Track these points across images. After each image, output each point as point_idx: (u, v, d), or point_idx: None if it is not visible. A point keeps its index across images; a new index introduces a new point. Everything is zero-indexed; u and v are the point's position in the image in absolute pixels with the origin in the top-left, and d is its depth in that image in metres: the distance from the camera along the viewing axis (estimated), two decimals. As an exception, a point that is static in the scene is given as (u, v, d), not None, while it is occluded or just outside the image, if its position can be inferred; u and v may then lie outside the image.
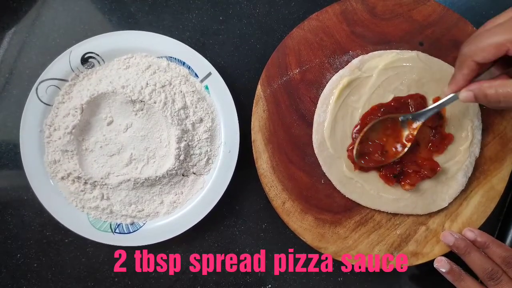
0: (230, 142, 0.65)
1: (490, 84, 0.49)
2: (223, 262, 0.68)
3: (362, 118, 0.62)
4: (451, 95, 0.54)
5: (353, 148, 0.61)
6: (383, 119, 0.60)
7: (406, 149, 0.60)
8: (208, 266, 0.68)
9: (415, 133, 0.59)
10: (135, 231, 0.65)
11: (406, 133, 0.60)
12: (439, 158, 0.61)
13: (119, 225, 0.65)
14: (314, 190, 0.63)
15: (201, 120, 0.65)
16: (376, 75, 0.62)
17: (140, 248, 0.64)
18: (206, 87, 0.66)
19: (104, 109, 0.64)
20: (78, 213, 0.64)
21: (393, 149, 0.61)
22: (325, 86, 0.64)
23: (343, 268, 0.67)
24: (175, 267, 0.68)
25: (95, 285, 0.68)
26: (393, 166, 0.61)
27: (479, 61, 0.49)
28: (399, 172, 0.61)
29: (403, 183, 0.61)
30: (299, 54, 0.64)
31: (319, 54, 0.64)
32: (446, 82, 0.61)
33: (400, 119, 0.60)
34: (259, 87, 0.64)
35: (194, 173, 0.66)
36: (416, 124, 0.59)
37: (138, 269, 0.67)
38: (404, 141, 0.60)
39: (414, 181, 0.60)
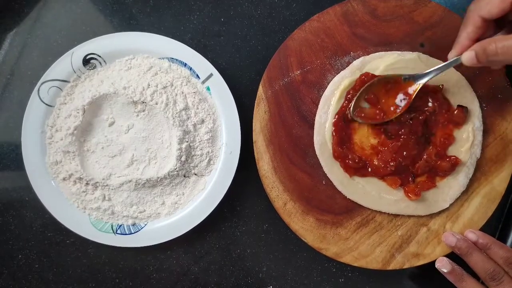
0: (232, 143, 0.65)
1: (490, 40, 0.48)
2: (224, 263, 0.68)
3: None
4: (454, 58, 0.53)
5: (341, 151, 0.61)
6: (383, 78, 0.60)
7: (404, 108, 0.59)
8: (209, 267, 0.68)
9: (414, 94, 0.59)
10: (136, 232, 0.65)
11: (405, 93, 0.59)
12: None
13: (120, 226, 0.65)
14: (315, 191, 0.63)
15: (202, 121, 0.65)
16: (377, 76, 0.62)
17: (142, 249, 0.64)
18: (208, 88, 0.66)
19: (105, 110, 0.64)
20: (79, 214, 0.64)
21: (391, 108, 0.60)
22: (326, 87, 0.64)
23: (344, 269, 0.67)
24: (176, 268, 0.68)
25: (96, 286, 0.68)
26: (402, 172, 0.61)
27: (485, 16, 0.48)
28: (409, 177, 0.61)
29: (409, 194, 0.61)
30: (301, 55, 0.64)
31: (320, 55, 0.64)
32: (447, 83, 0.62)
33: (402, 78, 0.59)
34: (260, 88, 0.64)
35: (195, 174, 0.66)
36: (416, 85, 0.59)
37: (139, 270, 0.67)
38: (401, 101, 0.60)
39: (419, 191, 0.60)
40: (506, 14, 0.48)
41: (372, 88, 0.60)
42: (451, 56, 0.54)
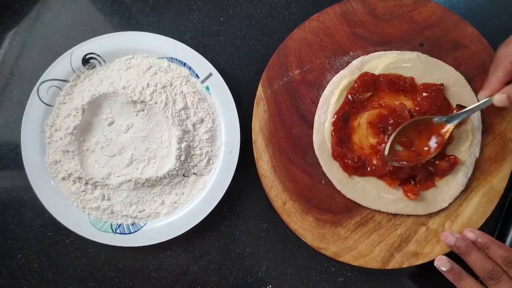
0: (231, 143, 0.65)
1: None
2: (223, 263, 0.68)
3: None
4: (486, 99, 0.54)
5: (344, 156, 0.61)
6: (414, 120, 0.60)
7: (439, 150, 0.59)
8: (208, 267, 0.68)
9: (447, 135, 0.59)
10: (136, 231, 0.65)
11: (437, 134, 0.60)
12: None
13: (120, 225, 0.65)
14: (314, 190, 0.63)
15: (202, 121, 0.65)
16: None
17: (141, 248, 0.64)
18: (207, 88, 0.66)
19: (105, 110, 0.64)
20: (79, 214, 0.64)
21: (425, 148, 0.60)
22: (325, 86, 0.64)
23: (343, 269, 0.67)
24: (175, 267, 0.68)
25: (96, 285, 0.68)
26: (401, 171, 0.61)
27: None
28: (408, 177, 0.61)
29: (408, 194, 0.61)
30: (300, 55, 0.64)
31: (320, 55, 0.64)
32: (447, 82, 0.62)
33: (434, 120, 0.60)
34: (259, 87, 0.64)
35: (195, 174, 0.66)
36: (448, 127, 0.59)
37: (138, 270, 0.68)
38: (435, 143, 0.60)
39: (418, 191, 0.61)
40: None
41: (404, 131, 0.60)
42: (482, 97, 0.55)
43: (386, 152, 0.60)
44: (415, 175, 0.61)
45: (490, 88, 0.53)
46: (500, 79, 0.52)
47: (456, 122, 0.59)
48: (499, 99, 0.52)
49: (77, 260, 0.68)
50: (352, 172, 0.62)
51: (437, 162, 0.61)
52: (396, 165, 0.60)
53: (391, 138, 0.60)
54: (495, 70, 0.52)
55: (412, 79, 0.62)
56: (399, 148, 0.61)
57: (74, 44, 0.65)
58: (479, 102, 0.56)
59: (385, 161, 0.60)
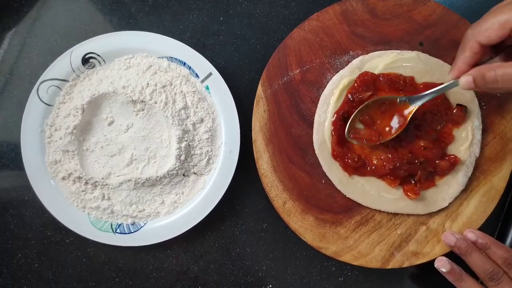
0: (231, 142, 0.65)
1: (488, 66, 0.48)
2: (223, 262, 0.68)
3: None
4: (451, 81, 0.53)
5: (342, 153, 0.61)
6: (378, 99, 0.60)
7: (399, 131, 0.59)
8: (208, 266, 0.68)
9: (409, 116, 0.59)
10: (136, 231, 0.65)
11: (400, 114, 0.59)
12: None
13: (120, 225, 0.65)
14: (314, 190, 0.63)
15: (201, 120, 0.65)
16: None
17: (141, 248, 0.65)
18: (207, 87, 0.66)
19: (105, 110, 0.64)
20: (79, 213, 0.64)
21: (386, 129, 0.60)
22: (325, 86, 0.64)
23: (343, 268, 0.67)
24: (176, 267, 0.68)
25: (96, 285, 0.68)
26: (400, 170, 0.61)
27: (482, 42, 0.48)
28: (408, 176, 0.61)
29: (409, 193, 0.61)
30: (300, 54, 0.64)
31: (320, 54, 0.64)
32: (446, 81, 0.61)
33: (397, 100, 0.59)
34: (259, 87, 0.64)
35: (195, 173, 0.66)
36: (412, 107, 0.59)
37: (139, 269, 0.68)
38: (397, 124, 0.60)
39: (418, 190, 0.60)
40: (504, 40, 0.48)
41: (367, 109, 0.60)
42: (448, 78, 0.54)
43: (346, 129, 0.60)
44: (415, 174, 0.61)
45: (456, 70, 0.51)
46: (467, 59, 0.50)
47: (419, 103, 0.58)
48: (464, 81, 0.50)
49: (77, 260, 0.68)
50: (352, 172, 0.62)
51: (437, 161, 0.61)
52: (354, 143, 0.60)
53: (353, 115, 0.60)
54: (462, 51, 0.50)
55: (412, 78, 0.61)
56: (360, 126, 0.61)
57: (74, 43, 0.65)
58: (445, 84, 0.54)
59: (386, 161, 0.60)
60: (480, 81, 0.49)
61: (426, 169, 0.61)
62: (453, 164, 0.61)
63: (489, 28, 0.48)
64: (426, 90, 0.61)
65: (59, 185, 0.65)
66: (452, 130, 0.62)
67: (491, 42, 0.48)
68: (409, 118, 0.59)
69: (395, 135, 0.59)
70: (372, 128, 0.61)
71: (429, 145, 0.60)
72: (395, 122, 0.60)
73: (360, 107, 0.60)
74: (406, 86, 0.61)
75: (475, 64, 0.51)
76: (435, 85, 0.61)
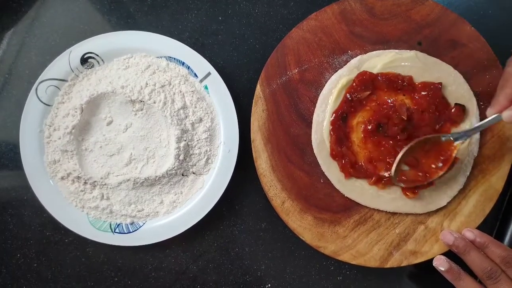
0: (230, 142, 0.65)
1: None
2: (222, 262, 0.68)
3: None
4: (494, 115, 0.54)
5: (342, 157, 0.61)
6: (421, 140, 0.59)
7: (446, 168, 0.59)
8: (207, 266, 0.68)
9: (454, 153, 0.59)
10: (135, 230, 0.65)
11: (446, 152, 0.59)
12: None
13: (119, 225, 0.65)
14: (313, 189, 0.63)
15: (200, 120, 0.65)
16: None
17: (140, 247, 0.65)
18: (206, 87, 0.66)
19: (103, 109, 0.64)
20: (78, 213, 0.64)
21: (432, 166, 0.60)
22: (324, 85, 0.64)
23: (342, 267, 0.67)
24: (175, 266, 0.68)
25: (95, 285, 0.68)
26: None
27: None
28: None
29: (407, 193, 0.61)
30: (298, 54, 0.64)
31: (318, 54, 0.64)
32: (445, 81, 0.62)
33: (441, 138, 0.59)
34: (258, 87, 0.64)
35: (193, 173, 0.66)
36: (455, 144, 0.59)
37: (138, 269, 0.68)
38: (442, 162, 0.59)
39: (416, 190, 0.61)
40: None
41: (411, 151, 0.59)
42: (490, 113, 0.54)
43: (392, 173, 0.59)
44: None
45: (498, 105, 0.53)
46: (508, 96, 0.52)
47: (463, 139, 0.58)
48: (508, 115, 0.51)
49: (76, 260, 0.68)
50: (349, 175, 0.62)
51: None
52: (402, 186, 0.60)
53: (398, 158, 0.59)
54: (503, 87, 0.52)
55: (410, 77, 0.62)
56: (405, 168, 0.61)
57: (73, 43, 0.65)
58: (488, 119, 0.55)
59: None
60: None
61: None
62: (452, 163, 0.61)
63: None
64: (424, 90, 0.61)
65: (58, 185, 0.65)
66: (450, 129, 0.62)
67: None
68: (454, 155, 0.58)
69: (443, 173, 0.59)
70: (418, 168, 0.60)
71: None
72: (440, 162, 0.60)
73: (404, 149, 0.59)
74: (404, 86, 0.61)
75: None
76: (434, 84, 0.61)
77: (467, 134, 0.58)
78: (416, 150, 0.60)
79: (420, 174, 0.60)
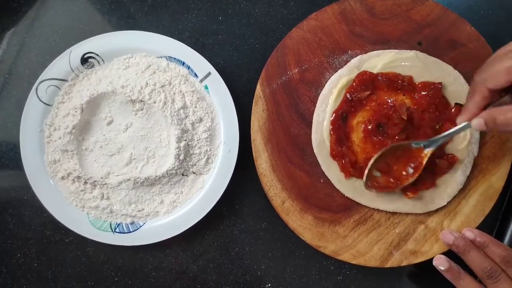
0: (230, 142, 0.65)
1: (499, 110, 0.49)
2: (222, 261, 0.68)
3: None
4: (464, 123, 0.54)
5: (343, 157, 0.61)
6: (393, 146, 0.59)
7: (416, 175, 0.59)
8: (208, 265, 0.68)
9: (425, 160, 0.59)
10: (135, 230, 0.65)
11: (416, 159, 0.60)
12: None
13: (119, 224, 0.65)
14: (313, 189, 0.63)
15: (200, 120, 0.65)
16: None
17: (140, 247, 0.65)
18: (206, 87, 0.66)
19: (104, 109, 0.64)
20: (78, 213, 0.65)
21: (403, 173, 0.60)
22: (324, 85, 0.64)
23: (342, 267, 0.67)
24: (175, 266, 0.68)
25: (95, 284, 0.68)
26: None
27: (491, 87, 0.50)
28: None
29: (407, 193, 0.61)
30: (298, 54, 0.64)
31: (318, 53, 0.64)
32: (445, 81, 0.62)
33: (412, 145, 0.59)
34: (258, 86, 0.64)
35: (194, 173, 0.66)
36: (426, 151, 0.59)
37: (138, 269, 0.68)
38: (412, 168, 0.60)
39: (416, 189, 0.61)
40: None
41: (382, 158, 0.60)
42: (460, 121, 0.55)
43: (364, 179, 0.60)
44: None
45: (468, 113, 0.54)
46: (477, 104, 0.52)
47: (433, 147, 0.59)
48: (476, 124, 0.52)
49: (77, 259, 0.68)
50: (349, 175, 0.62)
51: (436, 160, 0.61)
52: (373, 191, 0.61)
53: (369, 165, 0.59)
54: (472, 96, 0.53)
55: (410, 78, 0.62)
56: (377, 174, 0.61)
57: (73, 43, 0.65)
58: (457, 127, 0.55)
59: None
60: (491, 124, 0.50)
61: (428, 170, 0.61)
62: (451, 163, 0.61)
63: (496, 74, 0.49)
64: (425, 90, 0.61)
65: (58, 185, 0.65)
66: (450, 128, 0.62)
67: (499, 88, 0.50)
68: (424, 162, 0.59)
69: (413, 180, 0.59)
70: (389, 174, 0.61)
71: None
72: (411, 168, 0.60)
73: (376, 156, 0.59)
74: (404, 86, 0.61)
75: (486, 106, 0.53)
76: (434, 84, 0.61)
77: (437, 141, 0.58)
78: (388, 156, 0.60)
79: (391, 180, 0.60)
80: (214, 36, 0.70)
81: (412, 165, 0.60)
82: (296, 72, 0.64)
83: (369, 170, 0.59)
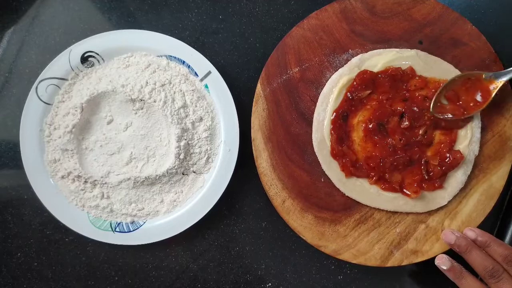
0: (230, 141, 0.65)
1: None
2: (223, 261, 0.68)
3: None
4: None
5: (342, 156, 0.61)
6: (464, 75, 0.60)
7: (484, 105, 0.59)
8: (208, 265, 0.68)
9: (494, 92, 0.59)
10: (135, 229, 0.65)
11: (485, 90, 0.60)
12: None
13: (119, 224, 0.65)
14: (314, 188, 0.63)
15: (201, 119, 0.65)
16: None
17: (141, 246, 0.65)
18: (206, 86, 0.66)
19: (104, 108, 0.64)
20: (78, 212, 0.64)
21: (471, 104, 0.60)
22: (324, 84, 0.64)
23: (343, 266, 0.67)
24: (175, 265, 0.68)
25: (96, 284, 0.68)
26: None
27: None
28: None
29: (409, 192, 0.61)
30: (299, 53, 0.64)
31: (319, 52, 0.64)
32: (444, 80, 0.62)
33: (483, 76, 0.60)
34: (258, 86, 0.64)
35: (194, 172, 0.66)
36: (497, 83, 0.59)
37: (138, 268, 0.68)
38: (481, 98, 0.60)
39: (418, 189, 0.61)
40: None
41: (452, 85, 0.60)
42: None
43: (432, 104, 0.60)
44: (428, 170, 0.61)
45: None
46: None
47: (505, 78, 0.59)
48: None
49: (77, 259, 0.68)
50: (350, 174, 0.62)
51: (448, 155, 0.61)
52: (439, 117, 0.60)
53: (438, 91, 0.60)
54: None
55: (411, 68, 0.61)
56: (445, 102, 0.61)
57: (73, 42, 0.65)
58: None
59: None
60: None
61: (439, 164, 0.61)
62: (458, 160, 0.61)
63: None
64: (422, 85, 0.61)
65: (58, 184, 0.65)
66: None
67: None
68: (493, 94, 0.59)
69: (480, 109, 0.60)
70: (456, 103, 0.61)
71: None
72: (479, 97, 0.60)
73: (446, 83, 0.60)
74: (404, 75, 0.61)
75: None
76: (434, 80, 0.61)
77: (508, 73, 0.59)
78: (457, 86, 0.60)
79: (457, 107, 0.61)
80: (214, 35, 0.70)
81: (481, 95, 0.60)
82: (297, 71, 0.64)
83: (437, 97, 0.60)
